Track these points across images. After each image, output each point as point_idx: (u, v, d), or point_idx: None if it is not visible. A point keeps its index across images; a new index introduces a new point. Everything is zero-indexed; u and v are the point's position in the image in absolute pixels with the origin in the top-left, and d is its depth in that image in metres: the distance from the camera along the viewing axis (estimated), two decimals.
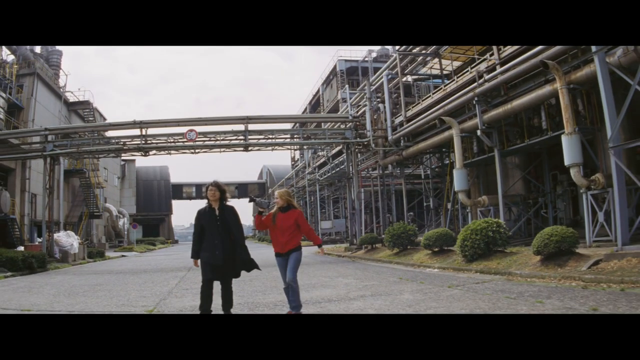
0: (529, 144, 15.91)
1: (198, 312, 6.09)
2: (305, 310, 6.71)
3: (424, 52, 22.37)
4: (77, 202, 38.59)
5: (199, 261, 6.07)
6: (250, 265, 6.15)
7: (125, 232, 49.43)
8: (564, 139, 12.18)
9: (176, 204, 74.77)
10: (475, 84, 16.34)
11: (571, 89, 12.64)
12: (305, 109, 57.85)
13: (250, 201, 6.57)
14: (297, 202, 6.23)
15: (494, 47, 16.18)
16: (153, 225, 67.45)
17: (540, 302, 6.61)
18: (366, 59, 46.37)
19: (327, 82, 50.44)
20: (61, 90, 37.78)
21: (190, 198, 77.00)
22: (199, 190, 72.09)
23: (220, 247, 5.89)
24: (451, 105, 17.66)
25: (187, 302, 8.30)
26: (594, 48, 10.23)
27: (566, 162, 12.23)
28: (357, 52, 47.71)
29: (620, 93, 10.96)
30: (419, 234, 18.95)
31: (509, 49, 15.72)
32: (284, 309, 6.78)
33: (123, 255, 32.48)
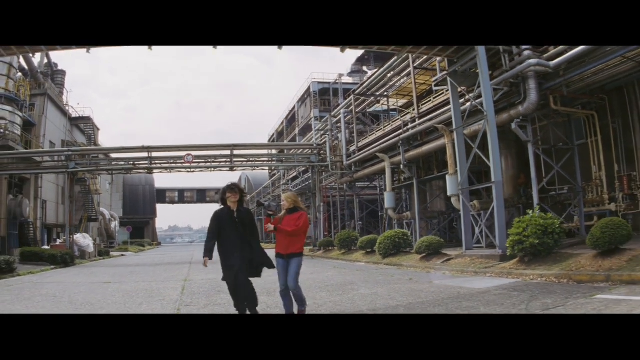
0: (438, 175, 22.18)
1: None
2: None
3: (375, 94, 28.72)
4: (78, 207, 43.35)
5: (207, 260, 5.94)
6: (268, 264, 6.24)
7: (117, 235, 54.68)
8: (447, 177, 18.16)
9: (157, 207, 79.46)
10: (401, 130, 22.60)
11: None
12: (282, 122, 63.96)
13: (258, 206, 6.48)
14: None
15: (415, 103, 22.44)
16: (138, 228, 71.76)
17: (392, 276, 12.75)
18: (336, 81, 52.84)
19: (302, 100, 56.60)
20: (65, 107, 43.08)
21: (173, 202, 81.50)
22: (182, 195, 77.01)
23: (238, 249, 5.93)
24: (385, 145, 23.97)
25: (205, 276, 13.71)
26: (454, 125, 16.40)
27: (448, 193, 18.39)
28: (329, 75, 54.15)
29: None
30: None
31: (426, 107, 22.02)
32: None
33: (123, 255, 38.14)
